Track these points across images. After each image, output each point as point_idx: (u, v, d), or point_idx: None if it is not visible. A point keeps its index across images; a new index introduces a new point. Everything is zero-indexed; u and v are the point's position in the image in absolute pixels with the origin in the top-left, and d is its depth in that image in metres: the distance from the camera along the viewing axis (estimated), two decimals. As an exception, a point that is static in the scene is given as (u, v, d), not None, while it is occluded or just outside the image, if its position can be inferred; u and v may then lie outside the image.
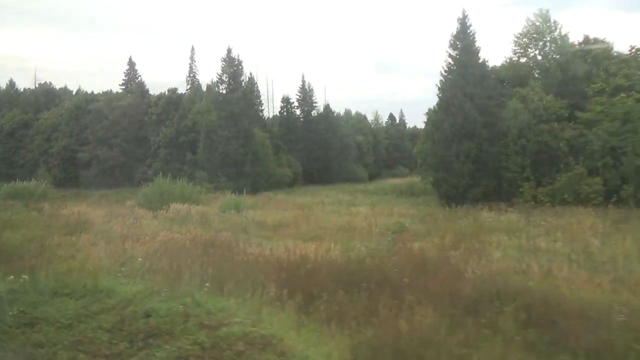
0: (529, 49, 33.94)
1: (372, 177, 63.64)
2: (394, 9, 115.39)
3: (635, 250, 12.40)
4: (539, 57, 33.14)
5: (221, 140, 41.88)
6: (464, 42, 28.70)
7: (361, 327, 6.51)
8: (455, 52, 28.99)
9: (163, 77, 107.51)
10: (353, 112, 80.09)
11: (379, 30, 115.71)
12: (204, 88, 53.30)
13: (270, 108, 72.72)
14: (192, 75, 65.41)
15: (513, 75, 32.74)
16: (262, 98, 60.83)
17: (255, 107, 58.31)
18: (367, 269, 9.84)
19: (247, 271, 9.60)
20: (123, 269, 9.88)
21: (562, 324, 6.38)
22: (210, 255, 11.40)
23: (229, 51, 45.13)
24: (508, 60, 34.15)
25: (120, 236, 14.67)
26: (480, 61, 30.78)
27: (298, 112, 65.60)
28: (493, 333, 6.14)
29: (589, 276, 9.57)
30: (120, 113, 50.35)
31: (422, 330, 6.25)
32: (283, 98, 65.62)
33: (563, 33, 33.14)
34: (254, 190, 40.12)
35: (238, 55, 45.73)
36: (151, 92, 53.97)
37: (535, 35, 33.23)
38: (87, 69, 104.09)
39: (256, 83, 58.04)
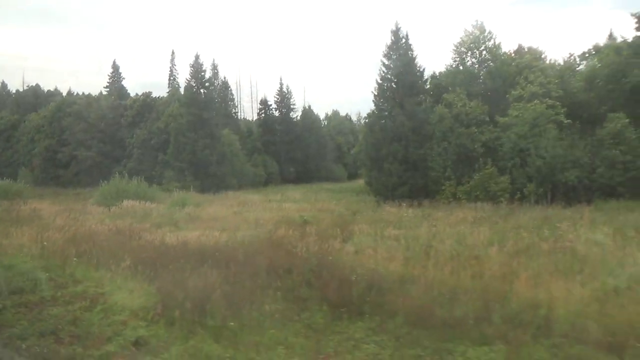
0: (467, 57, 36.64)
1: (351, 177, 65.81)
2: (381, 9, 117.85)
3: (466, 235, 15.20)
4: (476, 65, 35.82)
5: (188, 141, 44.59)
6: (397, 53, 31.39)
7: (168, 284, 9.24)
8: (389, 61, 31.69)
9: (151, 78, 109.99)
10: (342, 114, 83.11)
11: (367, 32, 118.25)
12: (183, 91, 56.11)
13: (255, 109, 75.51)
14: (172, 78, 68.29)
15: (452, 82, 35.46)
16: (241, 100, 63.54)
17: (229, 109, 61.12)
18: (222, 250, 12.57)
19: (129, 252, 12.30)
20: (33, 251, 12.60)
21: (333, 284, 8.92)
22: (111, 241, 14.13)
23: (197, 57, 47.88)
24: (448, 68, 36.88)
25: (54, 228, 17.37)
26: (417, 68, 33.59)
27: (276, 113, 68.30)
28: (277, 291, 8.69)
29: (397, 255, 12.28)
30: (97, 115, 53.02)
31: (206, 285, 8.92)
32: (261, 100, 68.36)
33: (497, 42, 35.85)
34: (219, 188, 42.72)
35: (214, 60, 48.75)
36: (138, 93, 56.70)
37: (471, 45, 35.93)
38: (85, 69, 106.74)
39: (230, 87, 60.71)
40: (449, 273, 10.65)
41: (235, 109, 62.21)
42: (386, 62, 31.79)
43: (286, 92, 68.43)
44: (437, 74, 36.91)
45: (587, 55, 34.04)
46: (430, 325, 6.88)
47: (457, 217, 19.84)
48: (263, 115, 71.13)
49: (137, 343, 6.59)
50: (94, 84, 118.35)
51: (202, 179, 43.96)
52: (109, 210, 25.08)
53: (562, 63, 36.00)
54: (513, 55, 36.64)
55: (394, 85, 31.04)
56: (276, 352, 6.21)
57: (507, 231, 16.06)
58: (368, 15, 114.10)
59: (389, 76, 31.40)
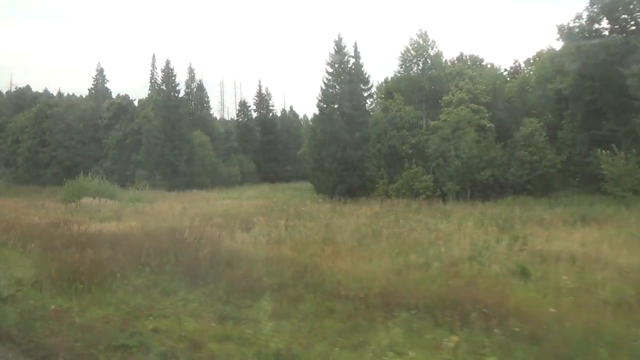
0: (412, 65, 39.35)
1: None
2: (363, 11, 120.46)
3: (349, 224, 17.93)
4: (418, 72, 38.53)
5: (158, 142, 47.31)
6: (339, 61, 34.12)
7: (50, 260, 11.94)
8: (332, 69, 34.43)
9: (139, 81, 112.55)
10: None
11: (350, 36, 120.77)
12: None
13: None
14: (153, 81, 70.83)
15: (397, 88, 38.18)
16: (225, 102, 66.25)
17: (205, 111, 63.81)
18: (124, 236, 15.26)
19: (44, 238, 14.98)
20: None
21: (194, 261, 11.51)
22: (43, 230, 16.83)
23: (168, 62, 50.86)
24: (396, 74, 39.63)
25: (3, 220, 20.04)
26: (362, 75, 36.36)
27: (255, 115, 71.05)
28: (146, 267, 11.29)
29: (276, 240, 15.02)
30: (76, 117, 55.73)
31: (81, 260, 11.61)
32: (240, 102, 71.25)
33: (439, 51, 38.59)
34: (188, 187, 45.35)
35: (190, 64, 51.23)
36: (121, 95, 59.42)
37: (413, 53, 38.63)
38: (78, 70, 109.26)
39: (205, 90, 63.37)
40: (298, 252, 13.43)
41: (211, 110, 64.76)
42: (330, 70, 34.52)
43: (265, 94, 71.19)
44: (389, 80, 39.71)
45: (530, 61, 36.78)
46: (250, 289, 9.31)
47: (362, 212, 22.58)
48: (242, 116, 74.07)
49: (6, 299, 9.29)
50: (86, 86, 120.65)
51: (171, 178, 46.70)
52: (65, 206, 27.78)
53: (507, 68, 38.96)
54: (456, 62, 39.43)
55: (335, 92, 33.73)
56: (118, 307, 8.51)
57: (386, 221, 18.83)
58: (348, 20, 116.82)
59: (332, 83, 34.11)
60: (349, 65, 34.69)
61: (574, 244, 14.13)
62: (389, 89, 38.64)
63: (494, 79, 35.59)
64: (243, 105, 73.19)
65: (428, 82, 36.10)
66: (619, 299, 8.05)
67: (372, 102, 38.77)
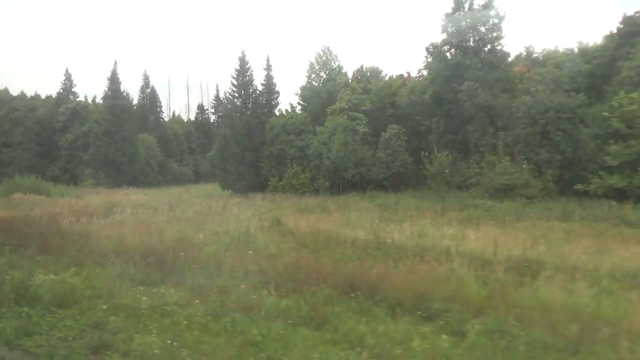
0: (318, 76, 45.01)
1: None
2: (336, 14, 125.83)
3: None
4: (319, 83, 44.16)
5: (103, 144, 52.80)
6: (242, 75, 39.73)
7: None
8: (237, 82, 40.04)
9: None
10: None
11: (305, 39, 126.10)
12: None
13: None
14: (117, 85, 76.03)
15: (304, 97, 43.82)
16: (190, 104, 71.43)
17: (157, 114, 69.31)
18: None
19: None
20: None
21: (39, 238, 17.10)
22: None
23: (114, 72, 56.04)
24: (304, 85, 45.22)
25: None
26: (271, 86, 41.96)
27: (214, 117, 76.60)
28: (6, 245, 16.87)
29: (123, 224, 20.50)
30: (34, 120, 61.14)
31: None
32: (198, 105, 76.75)
33: (340, 64, 44.26)
34: (131, 185, 50.73)
35: (145, 71, 56.57)
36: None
37: (317, 67, 44.30)
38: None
39: (157, 95, 68.89)
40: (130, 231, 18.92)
41: (176, 112, 70.45)
42: (235, 82, 40.12)
43: (223, 97, 76.64)
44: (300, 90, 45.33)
45: (419, 72, 42.35)
46: (65, 255, 14.79)
47: (231, 202, 28.24)
48: (200, 118, 79.73)
49: None
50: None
51: (114, 177, 52.17)
52: (-4, 200, 33.28)
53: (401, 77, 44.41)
54: (356, 73, 45.03)
55: (238, 102, 39.36)
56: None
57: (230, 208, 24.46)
58: (309, 25, 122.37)
59: (235, 93, 39.74)
60: (253, 78, 40.30)
61: (323, 224, 19.71)
62: (303, 98, 44.29)
63: (385, 89, 40.92)
64: (200, 108, 78.68)
65: (326, 93, 41.64)
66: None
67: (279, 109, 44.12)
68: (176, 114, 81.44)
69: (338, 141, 34.79)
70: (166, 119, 75.05)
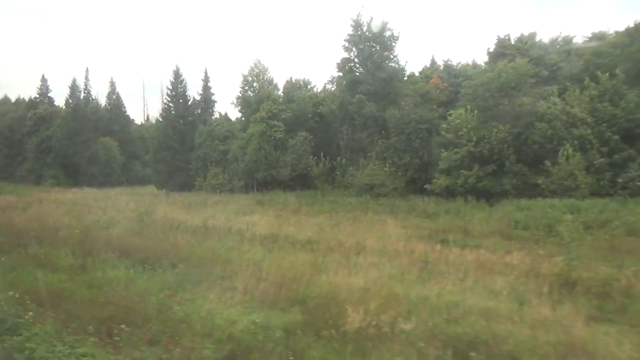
0: (251, 87, 50.05)
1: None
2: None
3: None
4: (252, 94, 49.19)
5: (62, 147, 57.95)
6: (176, 86, 44.85)
7: None
8: (172, 92, 45.15)
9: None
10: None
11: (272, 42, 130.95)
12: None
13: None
14: (86, 91, 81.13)
15: (241, 107, 48.89)
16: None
17: (122, 118, 74.38)
18: None
19: None
20: None
21: None
22: None
23: (74, 81, 61.37)
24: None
25: None
26: (210, 95, 47.11)
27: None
28: None
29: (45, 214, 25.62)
30: (5, 124, 66.32)
31: None
32: (163, 109, 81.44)
33: (270, 76, 49.36)
34: (90, 185, 55.73)
35: (112, 78, 61.85)
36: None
37: (250, 79, 49.38)
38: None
39: (122, 101, 73.99)
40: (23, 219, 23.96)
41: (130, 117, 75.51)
42: (171, 93, 45.25)
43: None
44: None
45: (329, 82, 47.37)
46: None
47: (144, 199, 33.29)
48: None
49: None
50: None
51: (74, 177, 57.28)
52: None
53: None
54: (286, 85, 50.09)
55: (172, 110, 44.51)
56: None
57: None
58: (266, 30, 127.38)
59: (170, 103, 44.90)
60: (187, 90, 45.46)
61: (182, 215, 24.72)
62: (240, 107, 49.39)
63: (306, 99, 45.95)
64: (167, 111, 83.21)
65: (256, 102, 46.71)
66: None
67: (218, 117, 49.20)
68: (152, 117, 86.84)
69: (252, 146, 39.85)
70: (140, 123, 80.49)
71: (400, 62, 40.63)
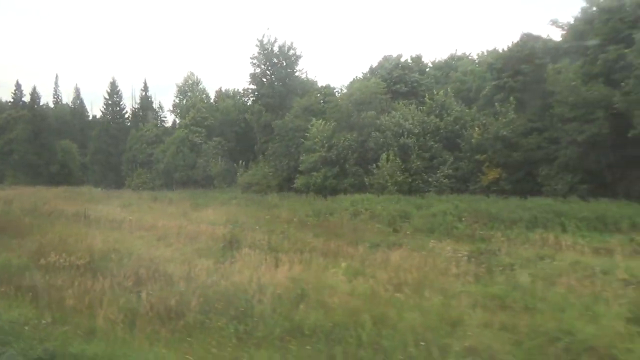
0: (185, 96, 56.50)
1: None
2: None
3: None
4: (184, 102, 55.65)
5: (22, 149, 64.36)
6: (112, 96, 51.26)
7: None
8: (109, 101, 51.56)
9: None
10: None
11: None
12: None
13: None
14: (56, 97, 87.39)
15: (179, 113, 55.33)
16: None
17: (85, 120, 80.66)
18: None
19: None
20: None
21: None
22: None
23: (34, 88, 67.63)
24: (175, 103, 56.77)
25: None
26: (150, 103, 53.53)
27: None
28: None
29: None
30: (-26, 128, 72.72)
31: None
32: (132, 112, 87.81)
33: (203, 86, 55.84)
34: (49, 184, 61.99)
35: (76, 85, 68.07)
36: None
37: (185, 88, 55.82)
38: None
39: (85, 106, 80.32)
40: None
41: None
42: (107, 102, 51.68)
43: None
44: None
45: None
46: None
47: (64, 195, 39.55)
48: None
49: None
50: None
51: (33, 177, 63.63)
52: None
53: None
54: (217, 94, 56.58)
55: (109, 117, 50.94)
56: None
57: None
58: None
59: (105, 111, 51.28)
60: (122, 99, 51.92)
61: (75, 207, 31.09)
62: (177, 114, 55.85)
63: (230, 107, 52.32)
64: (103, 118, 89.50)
65: (185, 110, 53.16)
66: None
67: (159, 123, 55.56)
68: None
69: (171, 150, 46.27)
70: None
71: (309, 76, 47.39)
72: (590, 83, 25.79)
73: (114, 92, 52.15)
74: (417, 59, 45.56)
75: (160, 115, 57.39)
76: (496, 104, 31.48)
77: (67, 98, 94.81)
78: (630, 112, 23.04)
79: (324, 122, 35.58)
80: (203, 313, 8.45)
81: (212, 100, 55.69)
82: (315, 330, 7.67)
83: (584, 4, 30.22)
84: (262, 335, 7.60)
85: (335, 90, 47.26)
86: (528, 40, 33.84)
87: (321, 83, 48.50)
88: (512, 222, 20.45)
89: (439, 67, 45.52)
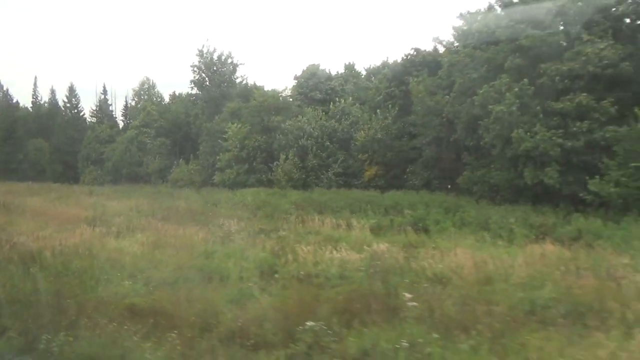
0: (143, 99, 61.60)
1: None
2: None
3: None
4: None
5: (-2, 146, 69.81)
6: (70, 99, 56.38)
7: None
8: (67, 106, 56.71)
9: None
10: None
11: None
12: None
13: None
14: (35, 98, 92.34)
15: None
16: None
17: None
18: None
19: None
20: None
21: None
22: None
23: (6, 91, 72.77)
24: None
25: None
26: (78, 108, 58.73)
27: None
28: None
29: None
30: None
31: None
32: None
33: (157, 90, 60.93)
34: (21, 179, 67.26)
35: (52, 86, 73.33)
36: None
37: (141, 92, 60.90)
38: None
39: (59, 106, 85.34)
40: None
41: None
42: (65, 106, 56.83)
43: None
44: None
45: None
46: None
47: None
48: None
49: None
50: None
51: (5, 173, 68.90)
52: None
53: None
54: (170, 98, 61.63)
55: (66, 117, 56.13)
56: None
57: None
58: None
59: (65, 114, 56.46)
60: (79, 101, 57.11)
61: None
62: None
63: (178, 110, 57.27)
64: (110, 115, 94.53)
65: (138, 112, 58.22)
66: None
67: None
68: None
69: (119, 149, 51.38)
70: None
71: (252, 82, 52.51)
72: (438, 95, 30.68)
73: (72, 96, 57.45)
74: (350, 67, 50.79)
75: (115, 117, 62.53)
76: (378, 110, 36.42)
77: (46, 99, 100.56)
78: (453, 120, 27.96)
79: (239, 125, 40.58)
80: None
81: (165, 103, 60.69)
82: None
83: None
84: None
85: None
86: (417, 54, 38.73)
87: (268, 88, 53.69)
88: (339, 209, 25.48)
89: (356, 75, 50.38)
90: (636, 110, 19.63)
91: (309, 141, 37.89)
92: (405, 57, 38.83)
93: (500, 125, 21.96)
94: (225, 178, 39.84)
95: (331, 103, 41.26)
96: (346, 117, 39.34)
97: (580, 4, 22.25)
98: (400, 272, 11.53)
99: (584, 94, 20.95)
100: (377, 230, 19.84)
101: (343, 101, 40.54)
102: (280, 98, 42.63)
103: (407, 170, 33.86)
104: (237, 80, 52.19)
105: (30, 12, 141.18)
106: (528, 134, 21.11)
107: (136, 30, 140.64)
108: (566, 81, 21.71)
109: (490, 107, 22.24)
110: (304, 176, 36.94)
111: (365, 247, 14.10)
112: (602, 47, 20.98)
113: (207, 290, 10.43)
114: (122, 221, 22.56)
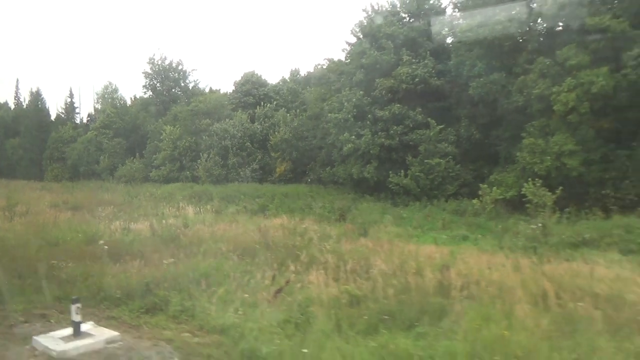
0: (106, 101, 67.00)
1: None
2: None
3: None
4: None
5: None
6: (35, 102, 61.81)
7: None
8: (32, 107, 62.17)
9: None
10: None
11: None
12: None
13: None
14: (17, 99, 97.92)
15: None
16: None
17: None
18: None
19: None
20: None
21: None
22: None
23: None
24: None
25: None
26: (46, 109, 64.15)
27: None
28: None
29: None
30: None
31: None
32: (89, 113, 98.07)
33: (121, 94, 66.35)
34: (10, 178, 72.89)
35: (38, 89, 78.87)
36: None
37: (105, 95, 66.31)
38: None
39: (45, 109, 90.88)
40: None
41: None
42: (28, 108, 62.31)
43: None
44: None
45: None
46: None
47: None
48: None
49: None
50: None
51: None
52: None
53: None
54: (132, 101, 66.97)
55: (33, 119, 61.66)
56: None
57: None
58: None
59: (29, 116, 61.97)
60: (45, 105, 62.63)
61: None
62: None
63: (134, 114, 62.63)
64: (91, 116, 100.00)
65: (99, 114, 63.63)
66: None
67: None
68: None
69: (78, 148, 56.80)
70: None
71: (200, 87, 57.91)
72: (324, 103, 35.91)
73: (37, 100, 63.00)
74: (295, 72, 56.10)
75: (82, 118, 68.16)
76: (288, 114, 41.68)
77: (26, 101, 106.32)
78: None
79: (173, 127, 45.92)
80: None
81: (127, 105, 66.03)
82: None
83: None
84: None
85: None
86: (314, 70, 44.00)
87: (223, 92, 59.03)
88: (223, 198, 30.80)
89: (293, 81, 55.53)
90: (429, 119, 24.84)
91: (230, 142, 43.13)
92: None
93: (337, 129, 27.18)
94: (160, 174, 45.20)
95: (257, 107, 46.48)
96: (268, 119, 44.54)
97: (403, 29, 27.45)
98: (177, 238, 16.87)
99: (398, 105, 26.16)
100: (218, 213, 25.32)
101: (268, 105, 45.73)
102: (212, 102, 47.85)
103: (308, 166, 39.18)
104: (190, 85, 57.77)
105: (18, 13, 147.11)
106: (353, 137, 26.34)
107: (104, 36, 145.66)
108: (389, 94, 26.92)
109: (329, 114, 27.47)
110: (224, 172, 42.21)
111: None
112: (414, 67, 26.17)
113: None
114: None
